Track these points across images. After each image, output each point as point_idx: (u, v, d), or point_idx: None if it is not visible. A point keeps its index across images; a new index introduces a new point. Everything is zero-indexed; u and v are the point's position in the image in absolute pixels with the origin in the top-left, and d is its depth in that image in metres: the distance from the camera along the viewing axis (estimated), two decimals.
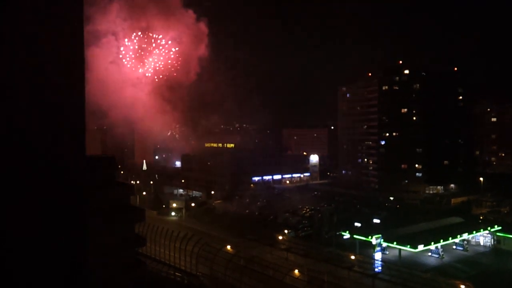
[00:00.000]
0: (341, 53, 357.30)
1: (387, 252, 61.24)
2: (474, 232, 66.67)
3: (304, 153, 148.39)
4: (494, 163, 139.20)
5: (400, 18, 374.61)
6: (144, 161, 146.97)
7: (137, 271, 31.39)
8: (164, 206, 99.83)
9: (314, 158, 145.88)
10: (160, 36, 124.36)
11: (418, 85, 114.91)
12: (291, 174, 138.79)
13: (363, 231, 64.45)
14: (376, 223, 74.44)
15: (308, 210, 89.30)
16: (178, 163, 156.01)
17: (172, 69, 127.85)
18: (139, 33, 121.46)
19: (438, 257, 61.08)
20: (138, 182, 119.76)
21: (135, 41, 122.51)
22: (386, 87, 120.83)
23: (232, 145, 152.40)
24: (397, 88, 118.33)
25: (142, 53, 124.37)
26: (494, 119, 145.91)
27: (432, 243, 60.26)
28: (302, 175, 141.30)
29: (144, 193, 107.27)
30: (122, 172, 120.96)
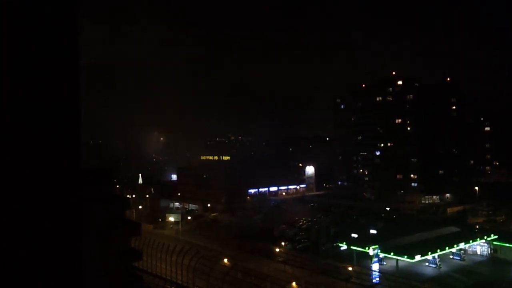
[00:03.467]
0: (336, 64, 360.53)
1: (385, 263, 61.05)
2: (471, 241, 66.66)
3: (300, 164, 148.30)
4: (489, 172, 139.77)
5: (395, 29, 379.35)
6: (140, 174, 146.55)
7: (133, 285, 31.11)
8: (160, 219, 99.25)
9: (310, 170, 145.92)
10: None
11: (411, 95, 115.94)
12: (287, 185, 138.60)
13: (360, 242, 64.28)
14: (373, 233, 74.31)
15: (305, 222, 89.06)
16: (174, 176, 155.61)
17: None
18: None
19: (435, 267, 60.92)
20: (133, 195, 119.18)
21: None
22: (380, 98, 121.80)
23: (228, 157, 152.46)
24: (391, 99, 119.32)
25: None
26: (487, 128, 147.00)
27: (429, 253, 60.14)
28: (298, 187, 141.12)
29: (140, 206, 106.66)
30: (118, 185, 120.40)
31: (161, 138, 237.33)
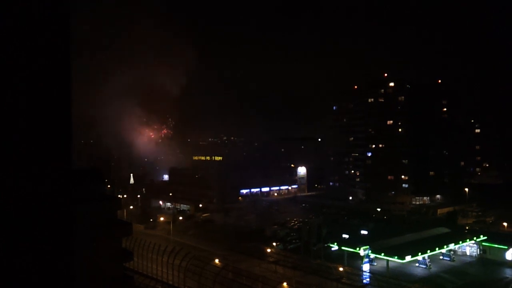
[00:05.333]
0: (328, 66, 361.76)
1: (375, 263, 61.41)
2: (461, 242, 67.31)
3: (292, 165, 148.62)
4: (479, 173, 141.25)
5: (386, 31, 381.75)
6: (131, 174, 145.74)
7: (124, 286, 30.95)
8: (151, 220, 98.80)
9: (302, 170, 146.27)
10: None
11: (403, 97, 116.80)
12: (279, 186, 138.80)
13: (351, 243, 64.59)
14: (364, 234, 74.71)
15: (296, 222, 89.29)
16: (166, 176, 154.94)
17: None
18: None
19: (425, 268, 61.43)
20: (125, 196, 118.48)
21: None
22: (372, 99, 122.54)
23: (220, 158, 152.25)
24: (382, 100, 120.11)
25: None
26: (478, 130, 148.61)
27: (419, 253, 60.62)
28: (290, 187, 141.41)
29: (131, 207, 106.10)
30: (109, 185, 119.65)
31: (153, 137, 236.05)
